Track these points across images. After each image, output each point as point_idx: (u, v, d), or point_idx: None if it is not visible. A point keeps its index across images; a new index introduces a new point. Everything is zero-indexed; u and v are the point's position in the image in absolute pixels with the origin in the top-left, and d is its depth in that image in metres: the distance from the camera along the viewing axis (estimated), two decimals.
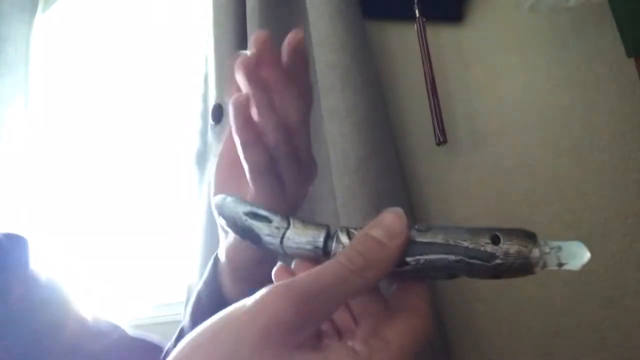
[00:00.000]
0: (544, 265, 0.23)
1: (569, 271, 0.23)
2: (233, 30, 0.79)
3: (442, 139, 0.63)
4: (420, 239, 0.24)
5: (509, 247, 0.24)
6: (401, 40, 0.72)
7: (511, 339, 0.60)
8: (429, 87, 0.65)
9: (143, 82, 1.16)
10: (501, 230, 0.25)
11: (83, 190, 1.21)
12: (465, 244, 0.24)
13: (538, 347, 0.59)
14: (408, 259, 0.24)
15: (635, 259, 0.55)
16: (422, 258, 0.24)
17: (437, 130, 0.64)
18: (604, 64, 0.58)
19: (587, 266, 0.23)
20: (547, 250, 0.24)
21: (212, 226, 0.74)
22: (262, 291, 0.20)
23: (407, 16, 0.68)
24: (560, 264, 0.23)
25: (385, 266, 0.22)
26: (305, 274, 0.21)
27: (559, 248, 0.24)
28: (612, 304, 0.55)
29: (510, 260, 0.23)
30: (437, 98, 0.64)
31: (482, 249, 0.24)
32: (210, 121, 0.78)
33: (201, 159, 0.82)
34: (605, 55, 0.58)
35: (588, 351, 0.56)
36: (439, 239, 0.24)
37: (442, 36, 0.69)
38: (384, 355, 0.21)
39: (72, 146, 1.26)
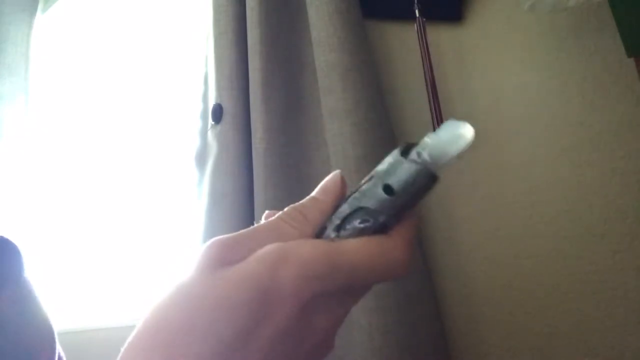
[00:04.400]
0: (435, 164, 0.22)
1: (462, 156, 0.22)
2: (233, 30, 0.79)
3: None
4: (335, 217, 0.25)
5: (383, 164, 0.23)
6: (401, 40, 0.72)
7: (511, 339, 0.60)
8: (429, 87, 0.65)
9: (143, 82, 1.16)
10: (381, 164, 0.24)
11: (83, 190, 1.21)
12: (362, 188, 0.24)
13: (538, 347, 0.59)
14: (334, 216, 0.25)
15: (635, 259, 0.55)
16: (339, 216, 0.25)
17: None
18: (604, 64, 0.58)
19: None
20: (426, 149, 0.22)
21: (211, 226, 0.74)
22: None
23: (407, 16, 0.69)
24: (447, 155, 0.22)
25: (316, 218, 0.25)
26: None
27: (438, 138, 0.22)
28: (612, 304, 0.55)
29: (390, 172, 0.23)
30: (437, 98, 0.64)
31: (367, 181, 0.24)
32: (210, 121, 0.78)
33: (201, 159, 0.82)
34: (605, 55, 0.58)
35: (589, 351, 0.56)
36: (349, 197, 0.25)
37: (442, 36, 0.69)
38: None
39: (72, 146, 1.26)
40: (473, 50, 0.68)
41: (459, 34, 0.69)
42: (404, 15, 0.70)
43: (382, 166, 0.24)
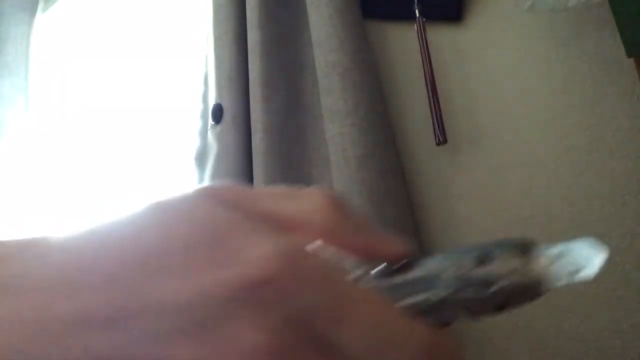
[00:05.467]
0: (554, 280, 0.18)
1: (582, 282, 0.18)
2: (233, 30, 0.79)
3: (442, 139, 0.63)
4: (397, 279, 0.19)
5: (504, 264, 0.18)
6: (401, 40, 0.72)
7: (511, 339, 0.60)
8: (429, 87, 0.65)
9: (143, 82, 1.16)
10: (489, 245, 0.19)
11: (83, 190, 1.21)
12: (451, 272, 0.18)
13: (538, 347, 0.59)
14: None
15: (635, 259, 0.55)
16: (400, 303, 0.18)
17: (437, 130, 0.64)
18: (604, 64, 0.58)
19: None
20: (551, 259, 0.18)
21: None
22: None
23: (407, 16, 0.69)
24: (572, 274, 0.18)
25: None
26: None
27: (568, 251, 0.18)
28: (612, 305, 0.55)
29: (509, 281, 0.18)
30: (437, 98, 0.64)
31: (472, 275, 0.18)
32: (210, 121, 0.78)
33: (201, 159, 0.82)
34: (605, 55, 0.58)
35: (588, 352, 0.56)
36: (415, 274, 0.19)
37: (442, 36, 0.69)
38: None
39: (72, 146, 1.26)
40: (473, 50, 0.68)
41: (459, 34, 0.69)
42: (404, 15, 0.70)
43: (494, 264, 0.18)
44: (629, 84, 0.57)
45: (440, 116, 0.64)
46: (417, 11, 0.67)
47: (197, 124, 0.85)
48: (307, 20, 0.72)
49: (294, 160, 0.71)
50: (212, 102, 0.79)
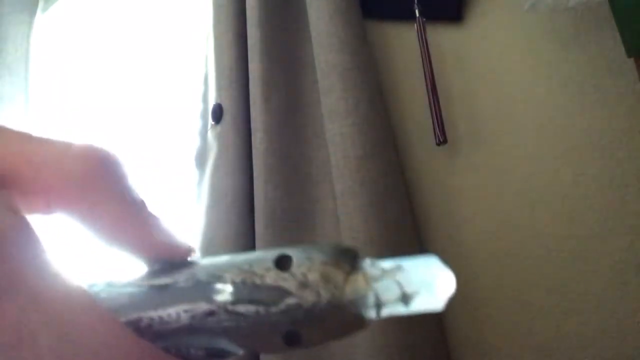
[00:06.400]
0: (378, 304, 0.13)
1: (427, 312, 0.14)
2: (233, 30, 0.79)
3: (442, 139, 0.63)
4: (146, 282, 0.14)
5: (307, 272, 0.12)
6: (401, 40, 0.72)
7: (511, 339, 0.60)
8: (429, 87, 0.65)
9: (143, 82, 1.16)
10: (296, 248, 0.13)
11: None
12: (228, 276, 0.13)
13: (538, 347, 0.59)
14: (122, 319, 0.13)
15: (635, 259, 0.55)
16: (145, 316, 0.13)
17: (437, 130, 0.64)
18: (604, 64, 0.58)
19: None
20: (378, 273, 0.13)
21: (211, 226, 0.74)
22: None
23: (407, 16, 0.69)
24: (406, 297, 0.13)
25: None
26: None
27: (399, 269, 0.13)
28: (612, 305, 0.55)
29: (310, 296, 0.12)
30: (437, 98, 0.64)
31: (258, 282, 0.12)
32: (210, 121, 0.78)
33: (201, 159, 0.82)
34: (605, 55, 0.58)
35: (588, 351, 0.56)
36: (177, 277, 0.13)
37: (442, 36, 0.69)
38: None
39: None
40: (473, 50, 0.68)
41: (459, 34, 0.69)
42: (404, 15, 0.70)
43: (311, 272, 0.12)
44: (629, 84, 0.57)
45: (440, 116, 0.64)
46: (417, 11, 0.67)
47: (197, 124, 0.85)
48: (307, 19, 0.72)
49: (294, 160, 0.71)
50: (212, 102, 0.79)
